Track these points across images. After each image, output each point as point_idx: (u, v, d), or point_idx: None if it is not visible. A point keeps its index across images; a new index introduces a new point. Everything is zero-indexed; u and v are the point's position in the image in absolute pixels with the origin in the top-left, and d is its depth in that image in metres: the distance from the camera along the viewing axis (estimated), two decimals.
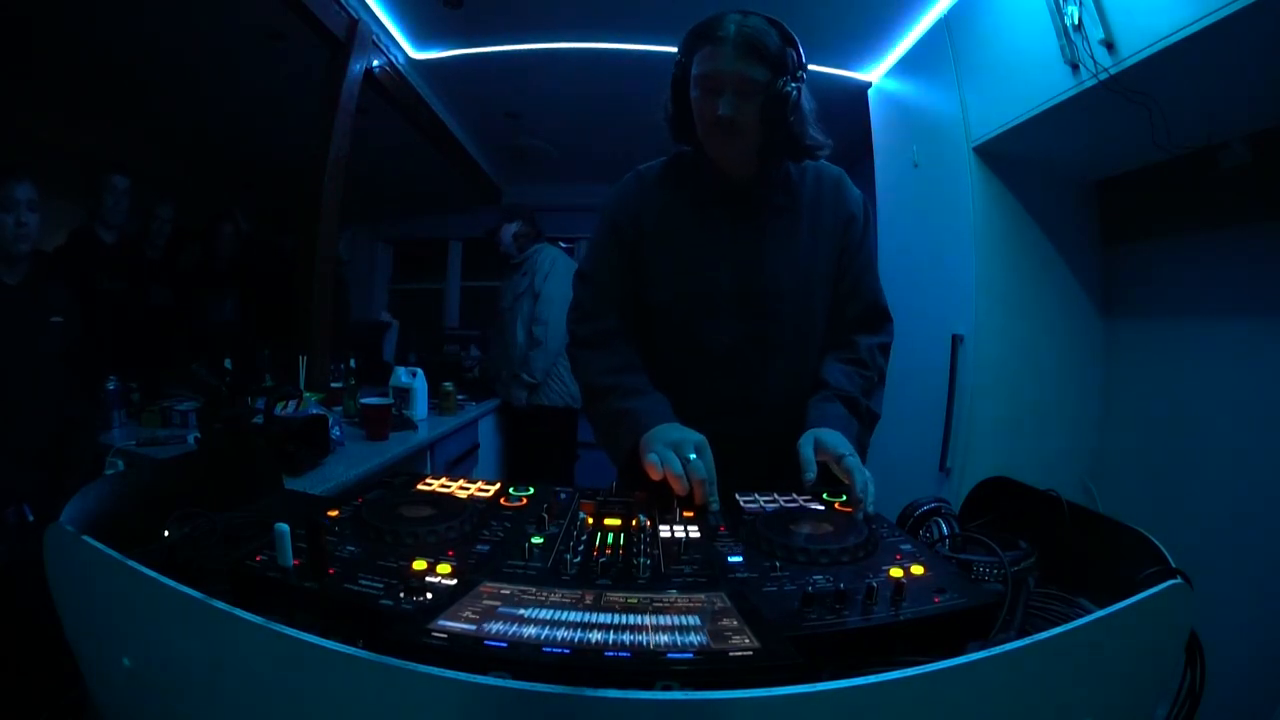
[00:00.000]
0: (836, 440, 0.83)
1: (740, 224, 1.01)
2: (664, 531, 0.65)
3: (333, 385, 2.51)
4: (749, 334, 1.01)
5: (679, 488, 0.77)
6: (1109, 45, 1.41)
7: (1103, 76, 1.42)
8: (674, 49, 0.99)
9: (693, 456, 0.78)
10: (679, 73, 0.98)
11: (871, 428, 1.00)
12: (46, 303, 1.69)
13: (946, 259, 2.12)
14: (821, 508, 0.74)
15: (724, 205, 1.02)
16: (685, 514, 0.72)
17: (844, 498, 0.77)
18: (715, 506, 0.75)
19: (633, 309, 1.04)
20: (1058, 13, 1.53)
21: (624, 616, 0.46)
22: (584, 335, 1.05)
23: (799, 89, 0.94)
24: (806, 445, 0.83)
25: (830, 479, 0.81)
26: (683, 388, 1.00)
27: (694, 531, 0.66)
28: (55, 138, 2.94)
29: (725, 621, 0.46)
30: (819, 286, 1.03)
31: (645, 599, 0.50)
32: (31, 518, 1.29)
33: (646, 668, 0.40)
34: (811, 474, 0.80)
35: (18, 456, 1.55)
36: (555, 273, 2.90)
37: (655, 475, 0.79)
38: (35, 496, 1.36)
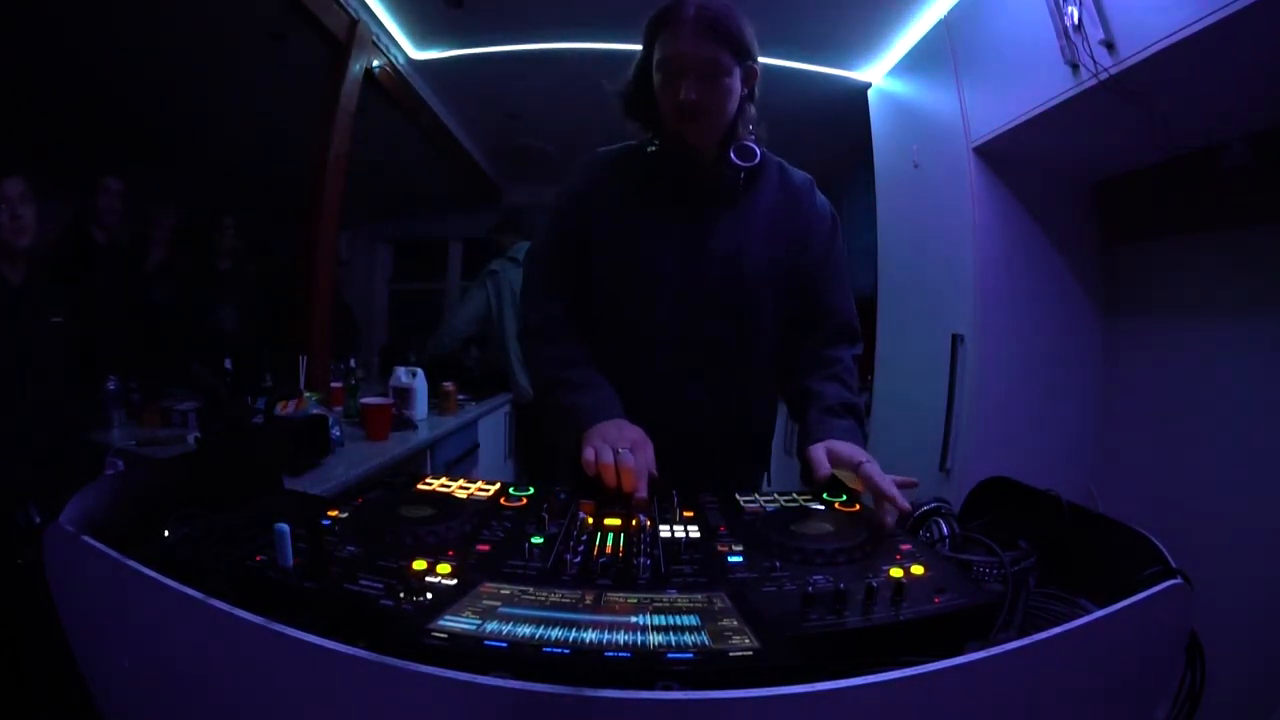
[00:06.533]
0: (852, 449, 0.82)
1: (690, 211, 0.99)
2: (664, 531, 0.65)
3: (333, 385, 2.51)
4: (691, 324, 0.99)
5: (609, 479, 0.77)
6: (1109, 45, 1.41)
7: (1103, 77, 1.42)
8: None
9: (624, 450, 0.79)
10: (642, 60, 0.98)
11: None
12: (47, 302, 1.70)
13: (946, 259, 2.12)
14: (821, 507, 0.74)
15: (676, 192, 1.00)
16: (685, 513, 0.72)
17: (844, 497, 0.76)
18: (642, 495, 0.75)
19: (580, 293, 1.03)
20: (1058, 13, 1.53)
21: (624, 616, 0.46)
22: (532, 323, 1.03)
23: (757, 71, 0.96)
24: (819, 451, 0.82)
25: (835, 490, 0.80)
26: (621, 374, 0.98)
27: (694, 531, 0.66)
28: (51, 138, 2.93)
29: (725, 621, 0.46)
30: (769, 284, 1.00)
31: (645, 599, 0.50)
32: (38, 519, 1.28)
33: (646, 668, 0.40)
34: (826, 470, 0.79)
35: (24, 457, 1.55)
36: None
37: (590, 470, 0.79)
38: (40, 497, 1.36)
